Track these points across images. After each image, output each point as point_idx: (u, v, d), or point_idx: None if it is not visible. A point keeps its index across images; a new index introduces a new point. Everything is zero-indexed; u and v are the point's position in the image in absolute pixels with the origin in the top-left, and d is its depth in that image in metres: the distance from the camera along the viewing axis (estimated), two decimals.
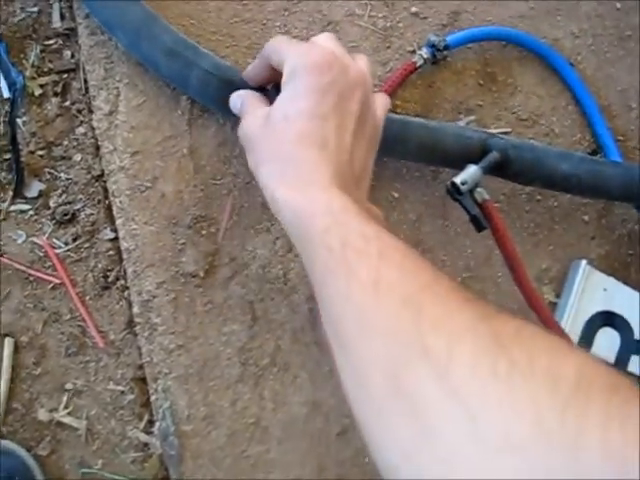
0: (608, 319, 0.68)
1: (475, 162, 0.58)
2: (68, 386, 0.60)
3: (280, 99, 0.44)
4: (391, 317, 0.32)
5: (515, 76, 0.69)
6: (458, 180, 0.56)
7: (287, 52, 0.45)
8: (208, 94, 0.56)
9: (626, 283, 0.69)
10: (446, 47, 0.65)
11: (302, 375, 0.62)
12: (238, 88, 0.52)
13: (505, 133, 0.68)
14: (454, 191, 0.56)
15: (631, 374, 0.68)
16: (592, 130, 0.71)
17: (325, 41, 0.46)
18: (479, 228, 0.57)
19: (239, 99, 0.50)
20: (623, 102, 0.72)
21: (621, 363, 0.68)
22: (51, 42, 0.63)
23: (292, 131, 0.42)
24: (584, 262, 0.67)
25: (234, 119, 0.52)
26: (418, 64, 0.64)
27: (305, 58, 0.44)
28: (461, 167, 0.57)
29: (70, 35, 0.62)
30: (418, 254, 0.36)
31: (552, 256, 0.68)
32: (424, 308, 0.31)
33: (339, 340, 0.35)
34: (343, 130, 0.43)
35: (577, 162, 0.62)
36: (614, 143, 0.70)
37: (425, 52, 0.64)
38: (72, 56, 0.63)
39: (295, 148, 0.42)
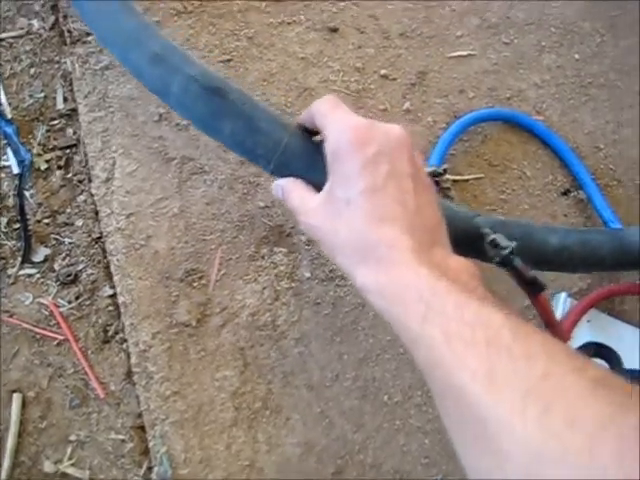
0: (596, 350, 0.69)
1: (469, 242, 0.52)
2: (72, 437, 0.63)
3: (335, 185, 0.44)
4: (515, 414, 0.29)
5: (483, 125, 0.74)
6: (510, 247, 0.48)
7: (327, 125, 0.45)
8: (188, 103, 0.53)
9: (610, 314, 0.70)
10: (445, 171, 0.68)
11: (294, 417, 0.64)
12: (223, 98, 0.51)
13: (478, 179, 0.72)
14: (509, 261, 0.49)
15: None
16: (568, 170, 0.74)
17: (345, 112, 0.46)
18: (540, 289, 0.51)
19: (279, 188, 0.50)
20: (590, 144, 0.76)
21: None
22: (55, 122, 0.70)
23: (358, 215, 0.42)
24: (564, 294, 0.69)
25: (212, 134, 0.53)
26: None
27: (344, 135, 0.43)
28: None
29: (72, 115, 0.70)
30: (524, 326, 0.33)
31: None
32: (551, 404, 0.28)
33: (457, 435, 0.33)
34: (404, 193, 0.42)
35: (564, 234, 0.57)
36: (592, 179, 0.73)
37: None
38: (74, 133, 0.70)
39: (366, 230, 0.41)
